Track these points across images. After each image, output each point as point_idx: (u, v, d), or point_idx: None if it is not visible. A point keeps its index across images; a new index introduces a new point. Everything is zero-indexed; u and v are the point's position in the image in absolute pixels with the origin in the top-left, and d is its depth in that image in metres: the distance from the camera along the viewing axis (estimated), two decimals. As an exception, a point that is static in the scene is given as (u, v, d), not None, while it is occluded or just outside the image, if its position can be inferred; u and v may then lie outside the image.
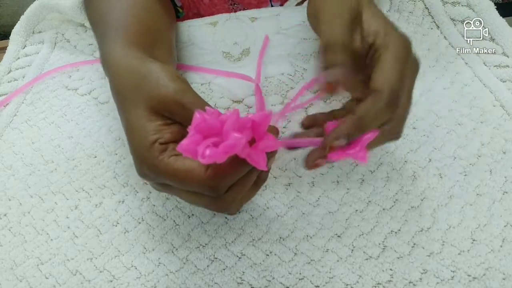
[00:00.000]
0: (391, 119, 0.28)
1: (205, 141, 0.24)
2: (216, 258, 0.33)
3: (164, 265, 0.33)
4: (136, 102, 0.29)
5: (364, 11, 0.31)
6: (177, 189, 0.28)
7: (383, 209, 0.34)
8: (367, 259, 0.32)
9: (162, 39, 0.40)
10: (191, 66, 0.47)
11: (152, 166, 0.27)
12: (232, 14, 0.51)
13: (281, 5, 0.53)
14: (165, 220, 0.36)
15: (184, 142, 0.24)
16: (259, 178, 0.29)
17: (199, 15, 0.54)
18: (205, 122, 0.24)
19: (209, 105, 0.28)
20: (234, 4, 0.54)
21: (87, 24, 0.54)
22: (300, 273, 0.32)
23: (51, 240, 0.35)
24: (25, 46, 0.56)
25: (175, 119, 0.29)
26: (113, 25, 0.38)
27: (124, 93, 0.31)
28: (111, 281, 0.33)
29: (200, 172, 0.25)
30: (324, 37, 0.30)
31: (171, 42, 0.43)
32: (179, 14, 0.55)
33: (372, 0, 0.33)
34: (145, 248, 0.34)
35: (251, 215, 0.35)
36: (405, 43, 0.29)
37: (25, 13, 0.57)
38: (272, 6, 0.54)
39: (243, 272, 0.32)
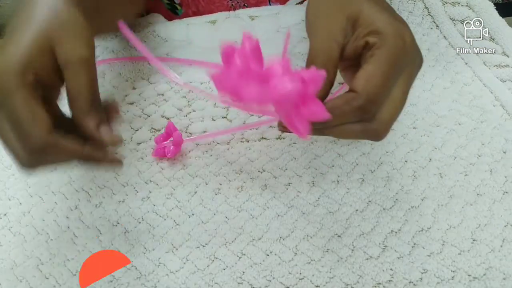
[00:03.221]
0: (370, 119, 0.27)
1: (249, 77, 0.21)
2: (216, 257, 0.33)
3: (164, 265, 0.33)
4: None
5: (363, 9, 0.29)
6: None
7: (383, 209, 0.34)
8: (367, 259, 0.32)
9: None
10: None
11: None
12: (232, 12, 0.51)
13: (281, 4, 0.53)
14: (165, 220, 0.36)
15: (223, 77, 0.22)
16: None
17: (198, 13, 0.54)
18: (248, 70, 0.22)
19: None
20: (233, 6, 0.53)
21: None
22: (300, 273, 0.32)
23: (51, 240, 0.35)
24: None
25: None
26: None
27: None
28: (111, 281, 0.33)
29: None
30: (310, 49, 0.29)
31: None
32: (177, 11, 0.55)
33: None
34: (145, 248, 0.34)
35: (251, 215, 0.35)
36: (403, 43, 0.27)
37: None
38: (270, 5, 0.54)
39: (243, 272, 0.32)
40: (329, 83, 0.28)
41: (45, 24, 0.29)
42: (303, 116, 0.23)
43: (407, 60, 0.28)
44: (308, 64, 0.28)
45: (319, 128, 0.27)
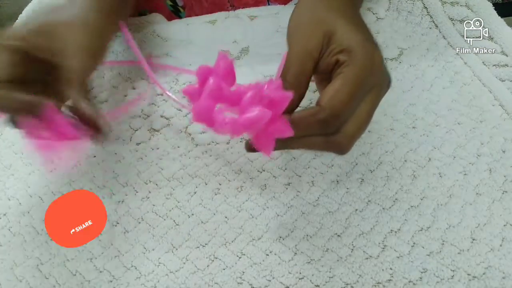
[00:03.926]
0: (333, 133, 0.28)
1: (220, 109, 0.23)
2: (216, 257, 0.33)
3: (164, 265, 0.33)
4: None
5: (339, 27, 0.30)
6: None
7: (383, 208, 0.34)
8: (367, 258, 0.32)
9: None
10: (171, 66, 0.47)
11: None
12: (231, 12, 0.51)
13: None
14: (165, 220, 0.36)
15: (198, 108, 0.23)
16: None
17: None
18: (221, 91, 0.23)
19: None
20: (234, 6, 0.53)
21: None
22: (300, 273, 0.32)
23: (51, 240, 0.35)
24: (23, 45, 0.56)
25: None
26: None
27: None
28: (111, 281, 0.33)
29: None
30: (286, 59, 0.30)
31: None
32: (180, 14, 0.55)
33: (353, 12, 0.33)
34: (145, 248, 0.34)
35: (251, 215, 0.35)
36: (371, 63, 0.28)
37: (23, 11, 0.57)
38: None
39: (243, 272, 0.32)
40: (299, 96, 0.29)
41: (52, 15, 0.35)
42: (269, 134, 0.24)
43: (374, 80, 0.28)
44: (282, 74, 0.29)
45: (283, 142, 0.28)
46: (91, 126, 0.33)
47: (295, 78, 0.29)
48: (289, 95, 0.24)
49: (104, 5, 0.39)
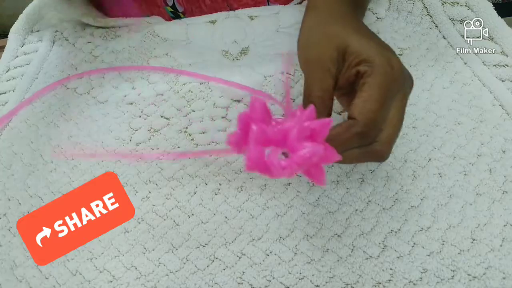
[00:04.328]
0: (371, 142, 0.28)
1: (273, 152, 0.23)
2: (216, 257, 0.33)
3: (164, 265, 0.33)
4: None
5: (352, 40, 0.30)
6: None
7: (383, 208, 0.34)
8: (367, 258, 0.32)
9: None
10: (193, 73, 0.47)
11: None
12: (231, 12, 0.51)
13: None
14: (165, 220, 0.36)
15: (250, 159, 0.23)
16: None
17: None
18: (265, 134, 0.24)
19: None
20: (234, 11, 0.53)
21: (86, 20, 0.54)
22: (300, 273, 0.32)
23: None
24: (23, 44, 0.56)
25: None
26: None
27: None
28: (111, 281, 0.33)
29: None
30: (305, 82, 0.31)
31: None
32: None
33: (360, 23, 0.33)
34: (145, 248, 0.34)
35: (251, 215, 0.35)
36: (392, 69, 0.29)
37: (23, 11, 0.57)
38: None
39: (243, 272, 0.32)
40: (327, 116, 0.30)
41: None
42: (319, 164, 0.25)
43: (398, 84, 0.29)
44: (306, 98, 0.30)
45: None
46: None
47: (318, 99, 0.29)
48: (329, 121, 0.25)
49: None
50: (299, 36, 0.34)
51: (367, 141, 0.28)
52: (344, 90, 0.32)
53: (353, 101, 0.28)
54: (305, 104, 0.30)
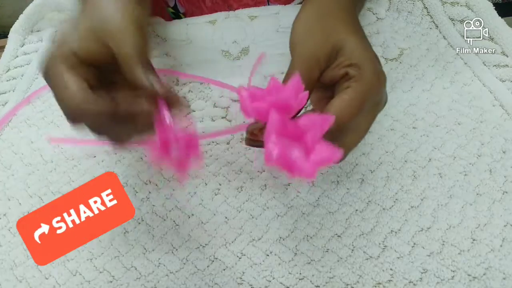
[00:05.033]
0: (331, 141, 0.28)
1: (299, 152, 0.23)
2: (216, 258, 0.33)
3: (164, 265, 0.33)
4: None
5: (349, 41, 0.30)
6: None
7: (383, 208, 0.34)
8: (367, 259, 0.32)
9: None
10: (185, 74, 0.47)
11: None
12: (231, 12, 0.51)
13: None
14: (165, 220, 0.36)
15: (276, 154, 0.23)
16: None
17: None
18: (285, 127, 0.24)
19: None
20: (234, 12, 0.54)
21: None
22: (300, 273, 0.32)
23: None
24: (23, 44, 0.56)
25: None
26: None
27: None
28: (111, 281, 0.33)
29: None
30: (292, 66, 0.31)
31: None
32: None
33: (359, 25, 0.33)
34: (145, 249, 0.34)
35: (251, 215, 0.35)
36: (378, 81, 0.29)
37: (24, 11, 0.57)
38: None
39: (243, 272, 0.32)
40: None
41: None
42: (314, 162, 0.24)
43: (378, 97, 0.29)
44: (286, 79, 0.30)
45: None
46: (169, 103, 0.30)
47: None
48: (332, 117, 0.25)
49: None
50: (295, 24, 0.34)
51: (329, 139, 0.28)
52: (321, 87, 0.32)
53: (332, 100, 0.28)
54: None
